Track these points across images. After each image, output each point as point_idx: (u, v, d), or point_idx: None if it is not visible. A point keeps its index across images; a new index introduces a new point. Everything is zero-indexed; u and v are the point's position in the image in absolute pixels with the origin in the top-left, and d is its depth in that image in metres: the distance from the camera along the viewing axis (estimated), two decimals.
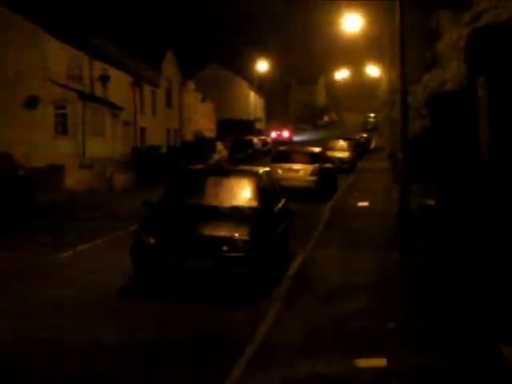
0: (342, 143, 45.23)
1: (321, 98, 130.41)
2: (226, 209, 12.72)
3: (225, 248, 11.47)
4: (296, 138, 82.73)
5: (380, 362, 8.09)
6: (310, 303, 10.94)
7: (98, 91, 41.88)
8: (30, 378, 8.02)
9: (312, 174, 27.39)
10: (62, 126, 36.26)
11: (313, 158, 28.51)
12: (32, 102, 34.95)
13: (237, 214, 12.47)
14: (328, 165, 30.03)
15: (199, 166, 16.55)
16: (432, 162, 12.92)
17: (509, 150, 8.50)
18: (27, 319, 10.31)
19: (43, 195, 25.40)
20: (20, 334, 9.55)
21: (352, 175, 38.40)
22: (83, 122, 36.49)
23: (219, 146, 46.01)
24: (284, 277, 12.96)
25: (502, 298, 8.40)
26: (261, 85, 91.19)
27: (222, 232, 11.78)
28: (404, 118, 15.98)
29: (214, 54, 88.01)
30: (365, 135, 71.77)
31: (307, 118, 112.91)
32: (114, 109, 41.93)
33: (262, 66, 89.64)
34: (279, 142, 70.29)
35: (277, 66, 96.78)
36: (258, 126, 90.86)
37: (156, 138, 52.13)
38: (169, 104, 59.01)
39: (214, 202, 12.95)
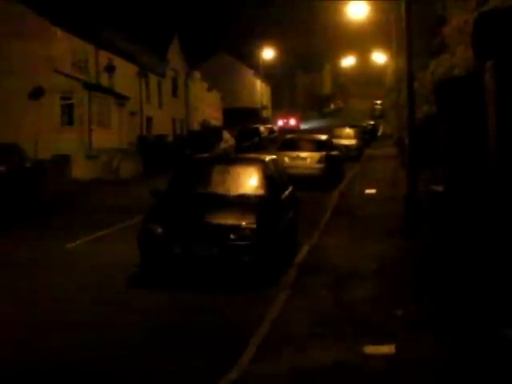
0: (348, 131, 45.05)
1: (327, 85, 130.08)
2: (232, 197, 12.72)
3: (232, 236, 11.46)
4: (303, 126, 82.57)
5: (389, 348, 8.08)
6: (318, 290, 10.93)
7: (104, 81, 41.85)
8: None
9: (319, 161, 27.33)
10: (67, 117, 36.22)
11: (320, 146, 28.45)
12: (37, 93, 34.89)
13: (244, 202, 12.46)
14: (335, 152, 29.96)
15: (206, 155, 16.51)
16: (439, 147, 12.86)
17: None
18: (30, 308, 10.38)
19: (50, 186, 25.47)
20: (22, 319, 9.63)
21: (359, 162, 38.31)
22: (89, 112, 36.45)
23: (226, 134, 45.90)
24: (292, 264, 12.95)
25: (508, 283, 8.37)
26: (267, 73, 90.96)
27: (229, 220, 11.77)
28: (411, 104, 15.92)
29: (219, 43, 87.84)
30: (372, 122, 71.49)
31: (314, 105, 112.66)
32: (120, 99, 41.89)
33: (268, 53, 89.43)
34: (286, 130, 70.14)
35: (283, 53, 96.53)
36: (265, 114, 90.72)
37: (162, 127, 52.11)
38: (175, 93, 58.96)
39: (220, 191, 12.94)
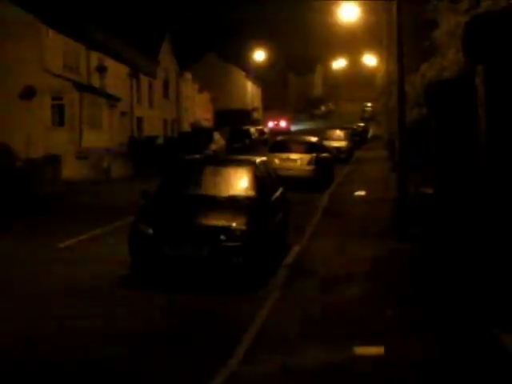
0: (338, 133, 45.12)
1: (318, 87, 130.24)
2: (223, 198, 12.73)
3: (222, 237, 11.46)
4: (293, 128, 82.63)
5: (378, 350, 8.10)
6: (308, 291, 10.95)
7: (95, 82, 41.78)
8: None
9: (309, 163, 27.39)
10: (58, 117, 36.17)
11: (310, 148, 28.55)
12: (28, 93, 34.82)
13: (234, 204, 12.47)
14: (325, 154, 30.00)
15: (196, 156, 16.51)
16: (430, 150, 12.90)
17: (506, 138, 8.48)
18: (24, 310, 10.35)
19: (40, 186, 25.44)
20: (20, 325, 9.61)
21: (349, 165, 38.36)
22: (80, 112, 36.41)
23: (216, 136, 45.84)
24: (282, 265, 12.97)
25: (499, 285, 8.40)
26: (258, 75, 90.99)
27: (220, 221, 11.77)
28: (401, 107, 15.96)
29: (210, 45, 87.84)
30: (362, 124, 71.65)
31: (304, 107, 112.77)
32: (111, 99, 41.84)
33: (259, 55, 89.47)
34: (276, 131, 70.18)
35: (274, 55, 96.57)
36: (256, 115, 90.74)
37: (153, 128, 52.08)
38: (166, 94, 58.93)
39: (211, 192, 12.94)
